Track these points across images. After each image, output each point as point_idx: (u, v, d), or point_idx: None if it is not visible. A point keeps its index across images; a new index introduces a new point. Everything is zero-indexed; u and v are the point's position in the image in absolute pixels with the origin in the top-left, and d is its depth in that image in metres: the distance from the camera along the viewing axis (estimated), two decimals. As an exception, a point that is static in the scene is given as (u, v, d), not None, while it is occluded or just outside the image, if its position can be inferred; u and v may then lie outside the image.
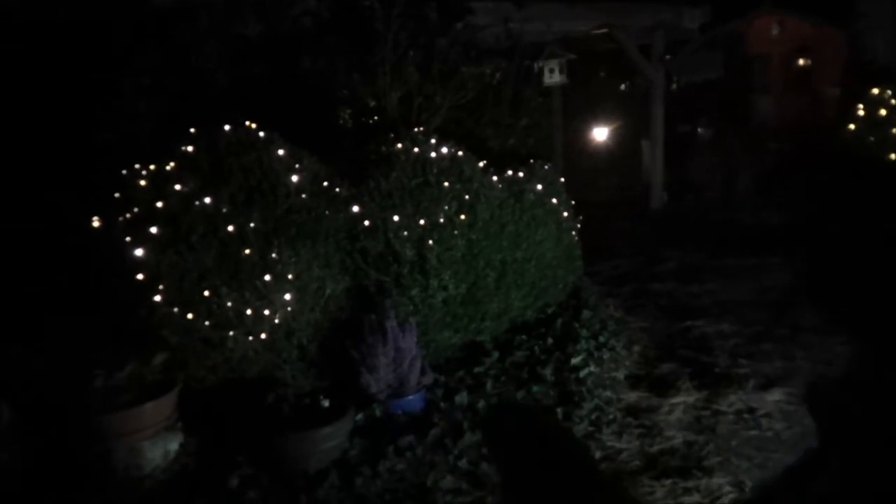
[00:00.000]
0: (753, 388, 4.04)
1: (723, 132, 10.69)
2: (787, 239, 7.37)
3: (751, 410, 3.79)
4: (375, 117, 5.82)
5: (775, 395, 3.92)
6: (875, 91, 9.39)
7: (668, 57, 9.55)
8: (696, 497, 3.04)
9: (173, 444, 3.41)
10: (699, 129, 11.40)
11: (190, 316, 3.51)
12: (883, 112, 9.20)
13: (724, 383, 4.12)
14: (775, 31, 11.98)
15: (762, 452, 3.36)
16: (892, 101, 9.22)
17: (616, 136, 11.97)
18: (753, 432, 3.57)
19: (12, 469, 3.08)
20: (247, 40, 5.23)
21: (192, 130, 3.95)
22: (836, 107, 10.30)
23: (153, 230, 3.57)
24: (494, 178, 4.68)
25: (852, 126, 9.49)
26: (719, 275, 6.35)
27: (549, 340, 4.61)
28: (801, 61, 11.85)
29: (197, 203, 3.61)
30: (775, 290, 5.79)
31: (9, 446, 3.09)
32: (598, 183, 11.03)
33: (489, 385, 4.03)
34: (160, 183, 3.67)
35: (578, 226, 5.53)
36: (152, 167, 3.80)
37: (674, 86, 12.11)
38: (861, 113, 9.43)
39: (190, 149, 3.84)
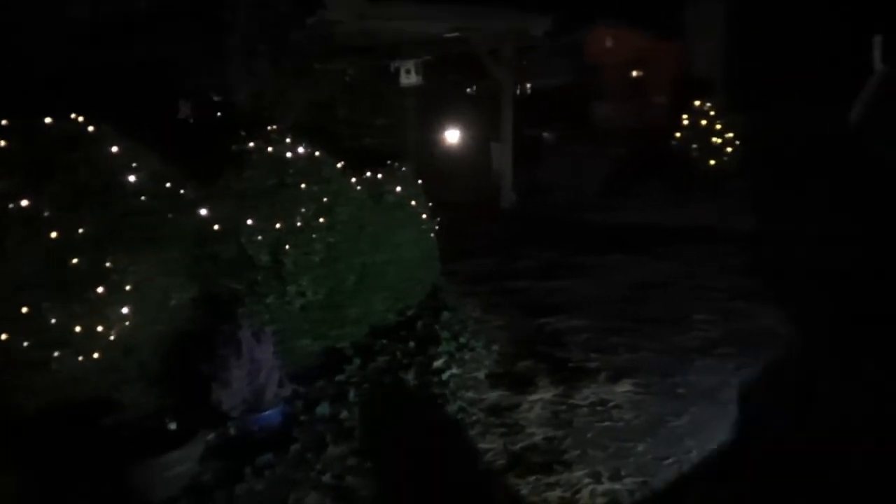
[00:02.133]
0: (604, 380, 4.25)
1: (567, 137, 11.31)
2: (628, 238, 7.90)
3: (603, 402, 3.97)
4: (224, 113, 5.48)
5: (624, 386, 4.15)
6: (697, 102, 10.38)
7: (512, 62, 9.91)
8: (558, 491, 3.12)
9: (-14, 486, 2.95)
10: (545, 133, 11.98)
11: (4, 336, 3.06)
12: (703, 122, 10.20)
13: (579, 377, 4.30)
14: (609, 42, 12.88)
15: (615, 442, 3.52)
16: (711, 112, 10.24)
17: (468, 138, 12.25)
18: (606, 423, 3.74)
19: None
20: (75, 23, 4.68)
21: (3, 122, 3.44)
22: (666, 116, 11.27)
23: (-45, 237, 3.06)
24: (353, 179, 4.55)
25: (678, 134, 10.43)
26: (570, 272, 6.67)
27: (411, 343, 4.57)
28: (634, 72, 12.85)
29: (12, 206, 3.15)
30: (621, 286, 6.17)
31: None
32: (451, 184, 11.17)
33: (352, 393, 3.90)
34: (-36, 182, 3.16)
35: (436, 227, 5.55)
36: (-46, 164, 3.27)
37: (518, 90, 12.57)
38: (685, 122, 10.39)
39: (2, 143, 3.34)
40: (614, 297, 5.90)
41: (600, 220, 8.95)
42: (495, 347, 4.86)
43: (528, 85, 13.28)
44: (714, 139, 10.22)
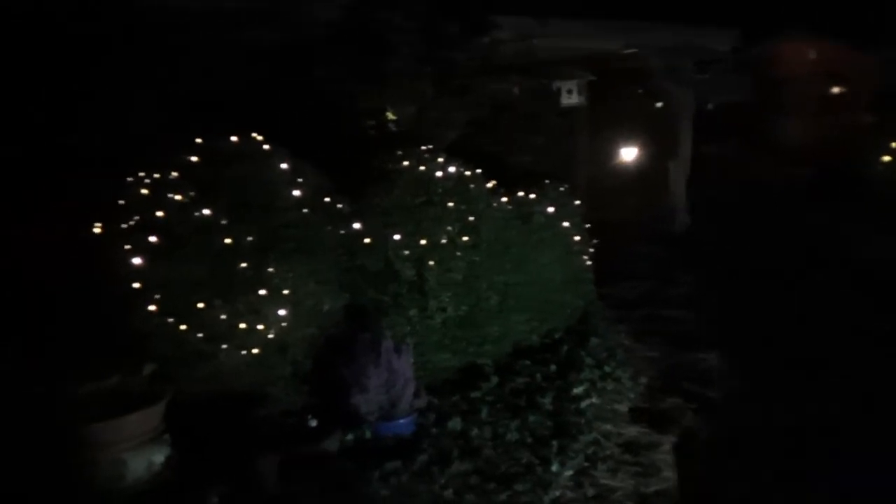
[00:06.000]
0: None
1: (744, 155, 10.46)
2: (793, 270, 7.17)
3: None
4: (389, 130, 5.77)
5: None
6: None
7: (700, 76, 9.38)
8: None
9: (158, 457, 3.35)
10: (726, 153, 11.17)
11: (183, 327, 3.48)
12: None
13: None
14: (796, 56, 11.68)
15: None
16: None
17: (644, 157, 11.71)
18: (755, 477, 3.42)
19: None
20: (257, 48, 5.19)
21: (198, 141, 3.92)
22: (867, 134, 9.99)
23: (152, 239, 3.54)
24: (504, 198, 4.59)
25: (887, 158, 9.14)
26: (732, 303, 6.18)
27: (553, 367, 4.50)
28: (830, 86, 11.53)
29: (197, 214, 3.59)
30: (784, 322, 5.61)
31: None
32: (624, 203, 10.76)
33: (484, 412, 3.93)
34: (160, 192, 3.65)
35: (591, 249, 5.40)
36: (157, 176, 3.78)
37: (710, 106, 11.79)
38: (896, 145, 9.11)
39: (194, 159, 3.81)
40: (777, 333, 5.37)
41: (774, 248, 8.14)
42: (642, 380, 4.64)
43: (709, 100, 12.45)
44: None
